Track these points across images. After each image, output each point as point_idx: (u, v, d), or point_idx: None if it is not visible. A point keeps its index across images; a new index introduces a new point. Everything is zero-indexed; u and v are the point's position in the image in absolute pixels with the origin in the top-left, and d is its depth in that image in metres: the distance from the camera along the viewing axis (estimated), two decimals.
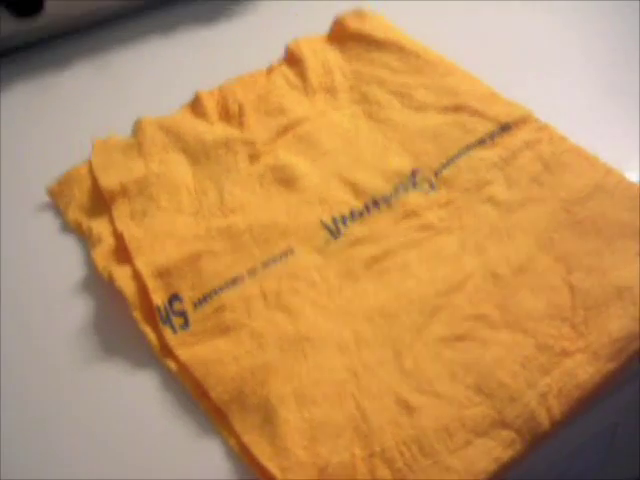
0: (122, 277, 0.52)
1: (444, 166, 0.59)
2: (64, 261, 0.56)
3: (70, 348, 0.51)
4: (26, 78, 0.71)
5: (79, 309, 0.53)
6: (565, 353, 0.48)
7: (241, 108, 0.63)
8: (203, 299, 0.51)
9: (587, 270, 0.52)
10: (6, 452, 0.46)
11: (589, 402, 0.47)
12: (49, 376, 0.50)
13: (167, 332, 0.49)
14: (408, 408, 0.46)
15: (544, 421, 0.45)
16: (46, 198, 0.60)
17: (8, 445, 0.46)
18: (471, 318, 0.50)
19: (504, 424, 0.45)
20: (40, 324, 0.52)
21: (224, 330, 0.50)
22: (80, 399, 0.48)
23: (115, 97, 0.69)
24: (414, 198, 0.57)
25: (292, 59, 0.68)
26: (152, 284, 0.51)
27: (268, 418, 0.45)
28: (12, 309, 0.53)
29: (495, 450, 0.44)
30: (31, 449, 0.46)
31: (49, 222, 0.59)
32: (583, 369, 0.47)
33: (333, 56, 0.68)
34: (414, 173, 0.58)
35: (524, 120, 0.61)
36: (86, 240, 0.57)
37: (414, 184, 0.58)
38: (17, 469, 0.45)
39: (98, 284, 0.53)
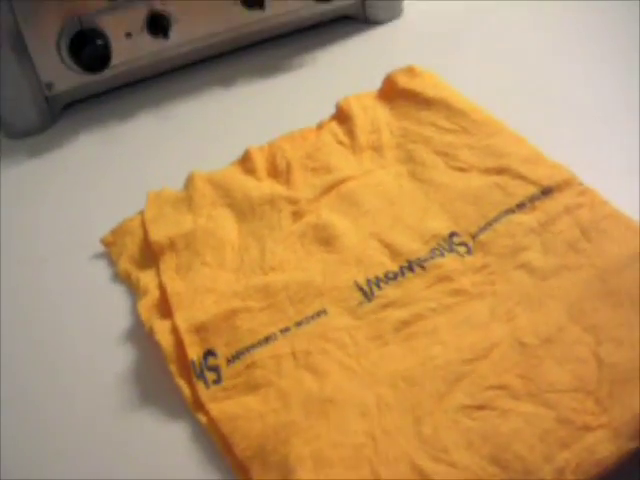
0: (161, 331, 0.54)
1: (482, 230, 0.59)
2: (113, 310, 0.59)
3: (109, 395, 0.53)
4: (91, 129, 0.75)
5: (121, 357, 0.56)
6: (587, 428, 0.47)
7: (289, 165, 0.66)
8: (236, 356, 0.53)
9: (617, 342, 0.51)
10: None
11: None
12: (86, 420, 0.52)
13: (200, 386, 0.52)
14: (422, 476, 0.46)
15: None
16: (102, 247, 0.64)
17: None
18: (493, 387, 0.50)
19: None
20: (83, 369, 0.55)
21: (253, 387, 0.51)
22: (114, 445, 0.51)
23: (175, 148, 0.73)
24: (450, 262, 0.57)
25: (342, 116, 0.70)
26: (188, 339, 0.54)
27: (286, 478, 0.47)
28: (60, 352, 0.57)
29: None
30: None
31: (102, 271, 0.62)
32: (603, 446, 0.47)
33: (382, 113, 0.70)
34: (452, 236, 0.59)
35: (567, 183, 0.61)
36: (134, 290, 0.60)
37: (451, 247, 0.58)
38: None
39: (142, 335, 0.56)
